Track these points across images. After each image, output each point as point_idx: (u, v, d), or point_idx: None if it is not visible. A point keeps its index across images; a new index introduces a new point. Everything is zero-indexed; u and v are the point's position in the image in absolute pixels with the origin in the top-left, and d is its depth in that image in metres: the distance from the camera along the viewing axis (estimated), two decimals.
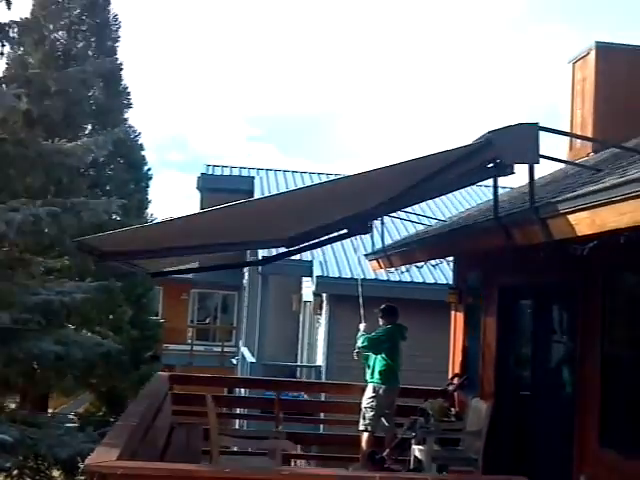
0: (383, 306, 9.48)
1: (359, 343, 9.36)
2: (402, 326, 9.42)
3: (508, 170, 5.09)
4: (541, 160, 4.99)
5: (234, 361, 18.69)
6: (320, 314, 15.58)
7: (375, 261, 9.98)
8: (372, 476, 4.41)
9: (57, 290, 8.71)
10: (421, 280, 13.88)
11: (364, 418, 9.06)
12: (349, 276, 14.02)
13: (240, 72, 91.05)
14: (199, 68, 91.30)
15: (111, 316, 21.75)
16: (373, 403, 9.03)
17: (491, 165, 5.09)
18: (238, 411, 10.88)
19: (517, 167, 5.09)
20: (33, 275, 9.35)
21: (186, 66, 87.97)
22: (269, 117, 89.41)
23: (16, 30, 9.28)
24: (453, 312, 9.82)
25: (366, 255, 10.62)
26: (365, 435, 9.08)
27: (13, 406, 14.95)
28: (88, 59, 23.02)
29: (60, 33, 22.79)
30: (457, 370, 9.59)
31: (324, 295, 14.84)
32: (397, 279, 13.17)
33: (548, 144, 5.04)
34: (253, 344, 16.06)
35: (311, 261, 14.57)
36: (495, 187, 5.67)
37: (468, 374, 9.24)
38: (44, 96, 19.96)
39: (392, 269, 9.68)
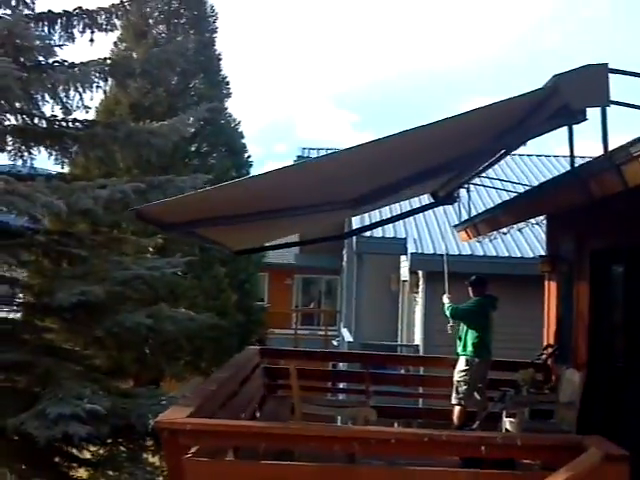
0: (472, 277, 9.29)
1: (448, 314, 9.22)
2: (493, 297, 9.21)
3: (580, 117, 4.83)
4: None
5: (335, 343, 18.76)
6: (417, 292, 15.40)
7: (463, 231, 9.78)
8: (439, 434, 4.29)
9: (148, 266, 8.96)
10: (519, 255, 13.48)
11: (457, 392, 8.91)
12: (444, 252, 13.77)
13: (343, 58, 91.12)
14: (301, 56, 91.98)
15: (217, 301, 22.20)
16: (466, 377, 8.87)
17: (560, 113, 4.85)
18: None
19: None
20: (127, 253, 9.65)
21: (288, 54, 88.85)
22: (372, 103, 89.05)
23: (104, 17, 9.53)
24: (547, 281, 9.49)
25: (455, 226, 10.42)
26: (457, 409, 8.94)
27: None
28: (187, 51, 23.62)
29: (160, 27, 23.40)
30: (551, 341, 9.28)
31: (420, 273, 14.65)
32: (493, 254, 12.91)
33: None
34: (351, 325, 16.06)
35: (405, 238, 14.41)
36: (570, 137, 5.41)
37: (561, 344, 8.92)
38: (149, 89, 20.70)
39: (480, 238, 9.43)
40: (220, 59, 24.52)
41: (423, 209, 9.50)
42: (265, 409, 7.99)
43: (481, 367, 8.92)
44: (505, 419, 8.24)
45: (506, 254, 13.13)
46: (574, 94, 4.59)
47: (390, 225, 14.55)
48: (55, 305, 7.76)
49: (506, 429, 8.19)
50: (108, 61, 9.09)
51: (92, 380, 8.24)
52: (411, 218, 14.64)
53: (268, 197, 5.06)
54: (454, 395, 8.94)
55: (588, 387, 7.66)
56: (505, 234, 9.19)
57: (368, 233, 14.21)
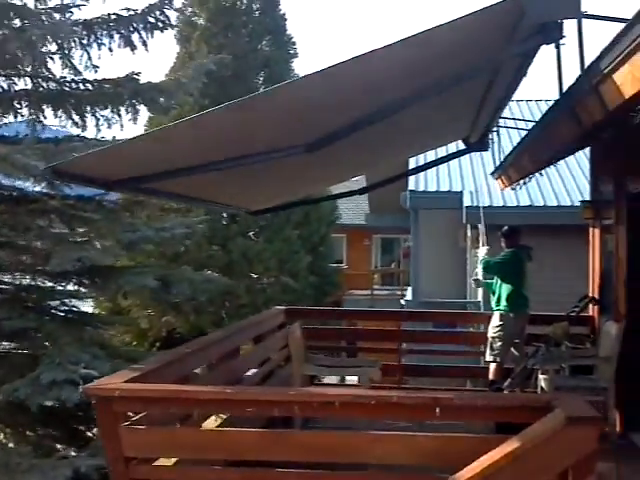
0: (505, 228, 8.70)
1: (480, 268, 8.68)
2: (527, 247, 8.58)
3: (556, 34, 4.19)
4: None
5: (402, 302, 18.31)
6: (478, 247, 14.73)
7: (499, 179, 9.13)
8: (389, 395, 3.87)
9: (157, 227, 8.78)
10: (569, 203, 12.67)
11: (492, 348, 8.37)
12: (501, 204, 13.09)
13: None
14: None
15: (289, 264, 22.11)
16: (500, 332, 8.31)
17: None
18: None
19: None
20: (148, 215, 9.50)
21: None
22: None
23: None
24: (590, 229, 8.76)
25: (492, 174, 9.77)
26: (493, 366, 8.41)
27: None
28: (252, 13, 23.35)
29: None
30: (596, 293, 8.58)
31: (480, 227, 13.99)
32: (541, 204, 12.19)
33: None
34: (413, 283, 15.59)
35: (461, 192, 13.76)
36: (559, 60, 4.75)
37: (603, 295, 8.23)
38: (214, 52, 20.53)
39: (514, 185, 8.77)
40: (285, 19, 24.16)
41: (453, 156, 8.93)
42: (282, 373, 7.68)
43: (517, 322, 8.34)
44: (540, 376, 7.69)
45: (555, 203, 12.40)
46: (539, 7, 3.97)
47: (446, 178, 13.95)
48: (53, 270, 7.70)
49: (541, 387, 7.65)
50: (113, 16, 8.78)
51: (102, 346, 8.18)
52: (469, 170, 13.99)
53: (221, 141, 4.64)
54: (488, 352, 8.41)
55: (626, 340, 7.01)
56: (528, 182, 8.49)
57: (422, 187, 13.64)
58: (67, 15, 8.58)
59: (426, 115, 6.16)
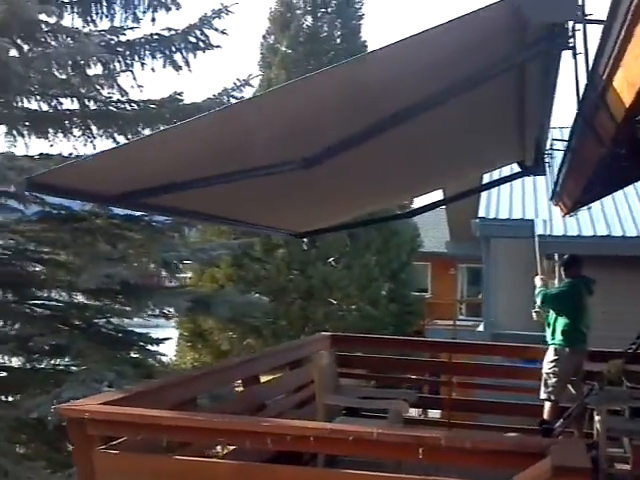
0: (565, 257, 8.20)
1: (538, 300, 8.19)
2: (588, 279, 8.05)
3: (562, 39, 3.76)
4: None
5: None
6: (554, 278, 14.03)
7: (558, 205, 8.58)
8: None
9: (195, 248, 8.68)
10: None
11: (546, 385, 7.86)
12: (576, 234, 12.42)
13: None
14: None
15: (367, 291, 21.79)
16: (555, 368, 7.79)
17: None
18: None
19: None
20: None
21: None
22: None
23: None
24: None
25: (550, 199, 9.22)
26: (547, 405, 7.87)
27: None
28: (334, 39, 23.35)
29: (306, 17, 23.33)
30: None
31: (556, 256, 13.32)
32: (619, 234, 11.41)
33: None
34: (485, 314, 14.97)
35: (532, 220, 13.12)
36: (576, 70, 4.31)
37: None
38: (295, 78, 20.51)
39: (572, 213, 8.24)
40: (366, 46, 24.00)
41: (507, 180, 8.47)
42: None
43: (573, 357, 7.80)
44: (596, 417, 7.10)
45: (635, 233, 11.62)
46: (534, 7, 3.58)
47: (519, 204, 13.35)
48: (84, 287, 7.70)
49: (597, 429, 7.07)
50: (155, 36, 8.82)
51: (137, 364, 8.11)
52: (543, 198, 13.34)
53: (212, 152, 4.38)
54: (543, 389, 7.89)
55: None
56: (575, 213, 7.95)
57: (492, 214, 13.11)
58: (118, 37, 8.69)
59: (468, 138, 5.84)
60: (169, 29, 8.99)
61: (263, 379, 6.43)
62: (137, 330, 9.33)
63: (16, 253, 8.60)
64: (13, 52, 8.13)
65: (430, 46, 3.69)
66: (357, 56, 3.31)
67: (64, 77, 8.21)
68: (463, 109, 4.58)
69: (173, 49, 8.87)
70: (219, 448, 4.92)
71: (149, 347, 9.07)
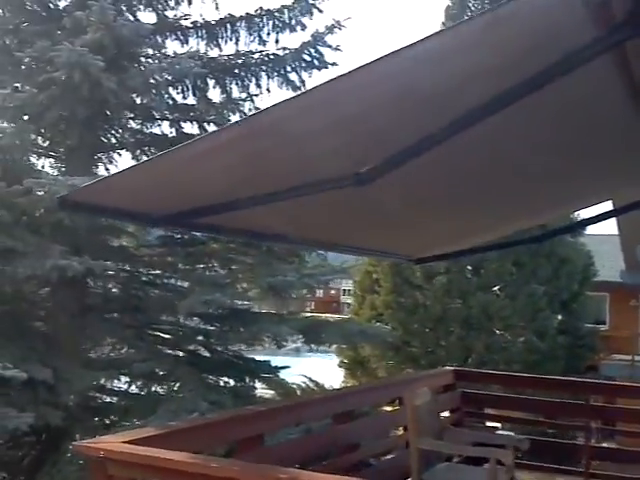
0: None
1: None
2: None
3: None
4: None
5: None
6: None
7: None
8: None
9: (304, 273, 8.19)
10: None
11: None
12: None
13: None
14: None
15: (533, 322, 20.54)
16: None
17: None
18: None
19: None
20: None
21: None
22: None
23: (287, 15, 9.01)
24: None
25: None
26: None
27: None
28: None
29: None
30: None
31: None
32: None
33: None
34: None
35: None
36: None
37: None
38: None
39: None
40: None
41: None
42: None
43: None
44: None
45: None
46: None
47: None
48: (181, 312, 7.47)
49: None
50: (271, 56, 8.53)
51: (237, 394, 7.76)
52: None
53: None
54: None
55: None
56: None
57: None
58: (239, 60, 8.55)
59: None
60: (284, 48, 8.74)
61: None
62: (259, 358, 9.06)
63: (131, 278, 8.60)
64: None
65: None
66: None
67: (187, 102, 8.15)
68: None
69: (288, 68, 8.60)
70: None
71: (267, 375, 8.73)
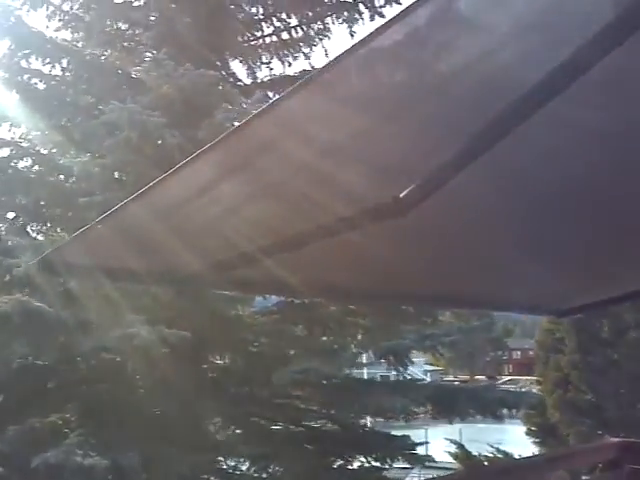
0: None
1: None
2: None
3: None
4: None
5: None
6: None
7: None
8: None
9: (426, 334, 7.08)
10: None
11: None
12: None
13: None
14: None
15: None
16: None
17: None
18: None
19: None
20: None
21: None
22: None
23: None
24: None
25: None
26: None
27: None
28: None
29: None
30: None
31: None
32: None
33: None
34: None
35: None
36: None
37: None
38: None
39: None
40: None
41: None
42: None
43: None
44: None
45: None
46: None
47: None
48: (275, 382, 6.58)
49: None
50: None
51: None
52: None
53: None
54: None
55: None
56: None
57: None
58: None
59: None
60: None
61: None
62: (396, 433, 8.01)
63: (244, 349, 7.92)
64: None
65: None
66: None
67: None
68: None
69: None
70: None
71: (407, 451, 7.65)
